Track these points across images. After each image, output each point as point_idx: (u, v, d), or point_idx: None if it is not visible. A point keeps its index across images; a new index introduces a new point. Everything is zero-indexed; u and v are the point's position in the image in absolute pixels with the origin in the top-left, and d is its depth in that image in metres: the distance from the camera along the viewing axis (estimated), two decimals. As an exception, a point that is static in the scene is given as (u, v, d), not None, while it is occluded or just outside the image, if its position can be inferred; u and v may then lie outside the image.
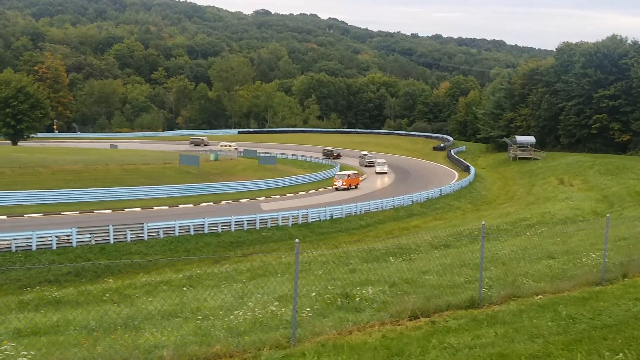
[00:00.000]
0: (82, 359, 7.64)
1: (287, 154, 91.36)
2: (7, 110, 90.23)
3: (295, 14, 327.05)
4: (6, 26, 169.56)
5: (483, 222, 11.60)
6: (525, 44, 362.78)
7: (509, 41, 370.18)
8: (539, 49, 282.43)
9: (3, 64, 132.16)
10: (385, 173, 76.61)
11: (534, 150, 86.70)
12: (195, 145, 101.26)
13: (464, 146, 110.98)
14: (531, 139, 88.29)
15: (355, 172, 66.17)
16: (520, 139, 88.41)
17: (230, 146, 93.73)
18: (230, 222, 40.66)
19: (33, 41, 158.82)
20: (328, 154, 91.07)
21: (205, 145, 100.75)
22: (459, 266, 13.91)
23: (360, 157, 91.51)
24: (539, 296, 11.40)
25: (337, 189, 60.44)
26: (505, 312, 10.20)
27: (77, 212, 43.78)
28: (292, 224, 43.70)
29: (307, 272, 15.20)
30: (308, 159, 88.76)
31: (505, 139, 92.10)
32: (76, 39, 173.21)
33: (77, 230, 34.25)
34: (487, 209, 57.32)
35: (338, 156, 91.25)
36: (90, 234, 34.93)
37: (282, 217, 43.58)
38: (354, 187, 62.11)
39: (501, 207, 57.39)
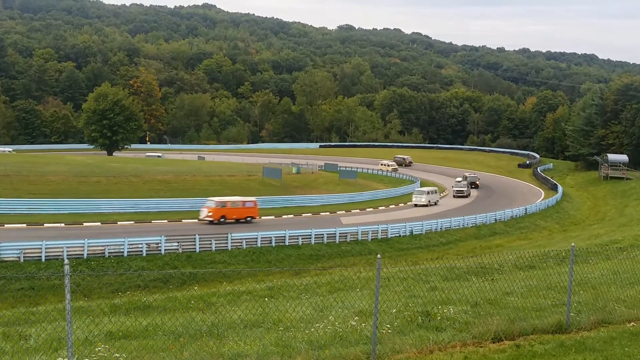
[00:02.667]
0: (170, 363, 7.94)
1: (368, 169, 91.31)
2: (104, 122, 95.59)
3: (378, 29, 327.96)
4: (105, 42, 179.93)
5: (572, 244, 11.23)
6: (619, 58, 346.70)
7: (601, 55, 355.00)
8: (634, 64, 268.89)
9: (101, 78, 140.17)
10: (427, 205, 60.23)
11: (627, 170, 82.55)
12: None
13: (551, 164, 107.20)
14: (624, 157, 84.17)
15: (251, 200, 48.52)
16: (612, 157, 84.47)
17: (388, 165, 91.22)
18: (310, 235, 41.12)
19: (129, 56, 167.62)
20: (472, 181, 78.40)
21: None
22: (545, 289, 13.46)
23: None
24: (632, 323, 10.88)
25: (211, 222, 44.84)
26: (595, 339, 9.81)
27: (166, 221, 45.69)
28: (372, 239, 43.63)
29: (386, 288, 15.15)
30: (389, 173, 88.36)
31: (596, 157, 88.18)
32: (169, 55, 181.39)
33: (165, 238, 35.74)
34: (575, 229, 55.01)
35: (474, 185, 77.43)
36: (178, 242, 36.36)
37: (362, 231, 43.63)
38: (242, 220, 46.41)
39: (590, 228, 54.90)
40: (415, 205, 60.62)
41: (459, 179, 76.10)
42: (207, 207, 45.77)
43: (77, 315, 12.27)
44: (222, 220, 45.28)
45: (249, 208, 47.46)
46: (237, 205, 46.81)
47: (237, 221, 45.89)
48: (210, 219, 44.91)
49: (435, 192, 64.08)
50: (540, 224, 56.40)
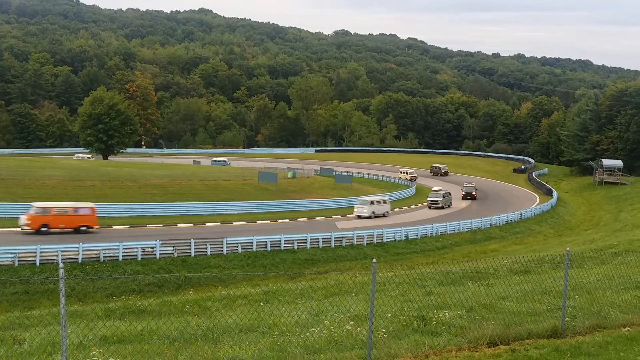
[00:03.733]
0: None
1: (364, 173, 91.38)
2: (100, 126, 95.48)
3: (374, 34, 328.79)
4: (101, 47, 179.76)
5: (568, 249, 11.25)
6: (614, 64, 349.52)
7: (596, 61, 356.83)
8: (628, 70, 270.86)
9: (97, 82, 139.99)
10: (370, 217, 53.89)
11: (622, 175, 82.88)
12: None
13: (546, 169, 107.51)
14: (619, 162, 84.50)
15: (86, 207, 41.76)
16: (606, 162, 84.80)
17: (407, 173, 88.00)
18: (306, 239, 41.06)
19: (125, 61, 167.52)
20: (468, 192, 72.35)
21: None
22: (540, 293, 13.48)
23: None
24: (627, 328, 10.90)
25: (38, 232, 38.47)
26: (590, 344, 9.82)
27: (161, 225, 45.57)
28: (367, 244, 43.59)
29: (382, 293, 15.12)
30: (384, 178, 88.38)
31: (590, 163, 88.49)
32: (165, 59, 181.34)
33: (160, 242, 35.63)
34: (570, 234, 55.11)
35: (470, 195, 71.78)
36: (173, 246, 36.25)
37: (357, 236, 43.60)
38: (74, 229, 39.73)
39: (585, 233, 55.02)
40: (359, 216, 54.22)
41: (437, 187, 70.12)
42: (27, 214, 39.30)
43: (71, 319, 12.23)
44: (43, 229, 38.62)
45: (83, 216, 40.68)
46: (66, 213, 40.10)
47: (77, 230, 39.68)
48: (29, 227, 38.43)
49: (384, 203, 57.08)
50: (535, 229, 56.47)
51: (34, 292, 28.53)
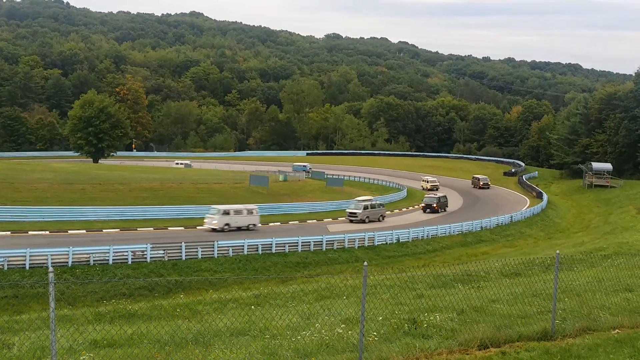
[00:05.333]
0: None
1: (355, 176, 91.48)
2: (90, 129, 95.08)
3: (365, 38, 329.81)
4: (91, 50, 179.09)
5: (557, 251, 11.30)
6: (603, 68, 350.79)
7: (586, 65, 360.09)
8: (617, 73, 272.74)
9: (87, 85, 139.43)
10: (223, 230, 44.55)
11: (611, 178, 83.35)
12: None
13: (536, 172, 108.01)
14: (608, 165, 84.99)
15: None
16: (596, 165, 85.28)
17: (427, 181, 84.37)
18: (297, 242, 41.05)
19: (115, 64, 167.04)
20: (428, 203, 62.73)
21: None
22: (530, 296, 13.54)
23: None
24: (616, 330, 10.96)
25: None
26: (580, 346, 9.86)
27: (152, 229, 45.32)
28: (359, 247, 43.62)
29: (373, 296, 15.15)
30: (376, 181, 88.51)
31: (580, 166, 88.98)
32: (155, 62, 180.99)
33: (151, 246, 35.49)
34: (560, 237, 55.39)
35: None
36: (164, 250, 36.10)
37: (349, 239, 43.62)
38: None
39: (575, 236, 55.32)
40: (214, 229, 44.90)
41: (362, 197, 60.75)
42: None
43: (61, 323, 12.15)
44: None
45: None
46: None
47: None
48: None
49: (248, 213, 47.21)
50: (525, 232, 56.71)
51: (24, 296, 28.33)
